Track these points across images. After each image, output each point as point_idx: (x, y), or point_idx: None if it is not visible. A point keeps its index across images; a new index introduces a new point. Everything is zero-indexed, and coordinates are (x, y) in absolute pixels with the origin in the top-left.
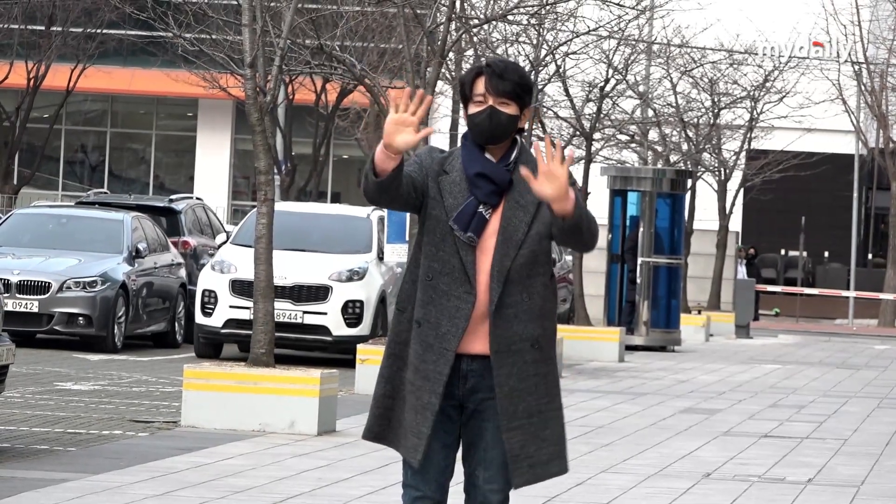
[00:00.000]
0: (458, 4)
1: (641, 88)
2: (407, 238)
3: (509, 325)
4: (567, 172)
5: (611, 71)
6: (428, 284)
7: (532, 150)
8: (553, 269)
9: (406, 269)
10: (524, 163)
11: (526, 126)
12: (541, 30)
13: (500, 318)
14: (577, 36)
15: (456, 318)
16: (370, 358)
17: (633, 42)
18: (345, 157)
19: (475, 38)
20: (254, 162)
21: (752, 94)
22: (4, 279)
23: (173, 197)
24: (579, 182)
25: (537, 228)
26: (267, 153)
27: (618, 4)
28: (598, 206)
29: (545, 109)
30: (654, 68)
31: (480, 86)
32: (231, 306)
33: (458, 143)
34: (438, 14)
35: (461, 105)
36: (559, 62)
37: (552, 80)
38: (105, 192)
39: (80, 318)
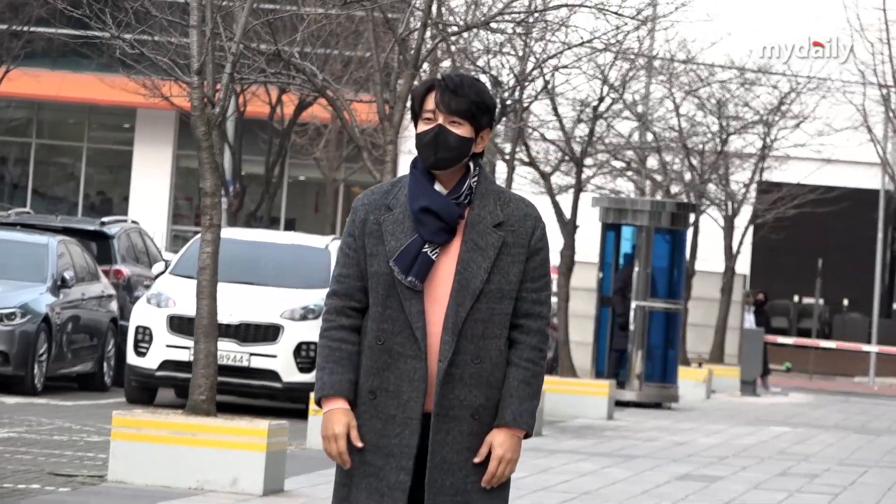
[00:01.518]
0: (434, 9)
1: (640, 109)
2: None
3: (451, 387)
4: (508, 465)
5: (606, 88)
6: (381, 349)
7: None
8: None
9: None
10: (483, 193)
11: (483, 150)
12: (528, 40)
13: (444, 378)
14: (569, 48)
15: (415, 380)
16: None
17: (632, 56)
18: (301, 178)
19: (453, 48)
20: (198, 182)
21: (765, 118)
22: None
23: (105, 219)
24: (567, 214)
25: (498, 283)
26: (213, 172)
27: (616, 13)
28: (589, 241)
29: (530, 130)
30: (654, 86)
31: (431, 102)
32: (168, 346)
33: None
34: (412, 19)
35: (413, 123)
36: (548, 77)
37: (539, 97)
38: (28, 212)
39: None
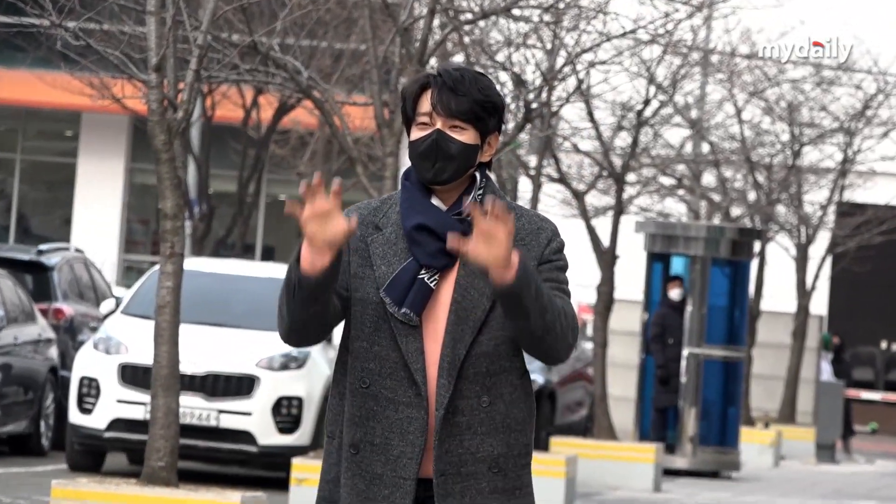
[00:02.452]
0: None
1: (694, 114)
2: None
3: (459, 438)
4: (510, 240)
5: (653, 89)
6: (365, 393)
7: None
8: (525, 364)
9: (332, 380)
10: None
11: (490, 160)
12: (558, 29)
13: (447, 429)
14: (608, 39)
15: (409, 433)
16: (310, 477)
17: (685, 50)
18: (281, 197)
19: (467, 39)
20: (156, 201)
21: (846, 125)
22: None
23: (43, 247)
24: (605, 242)
25: None
26: (175, 190)
27: None
28: (632, 274)
29: (561, 140)
30: (711, 87)
31: (426, 103)
32: (119, 401)
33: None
34: (417, 4)
35: (405, 129)
36: (582, 75)
37: (572, 99)
38: None
39: None
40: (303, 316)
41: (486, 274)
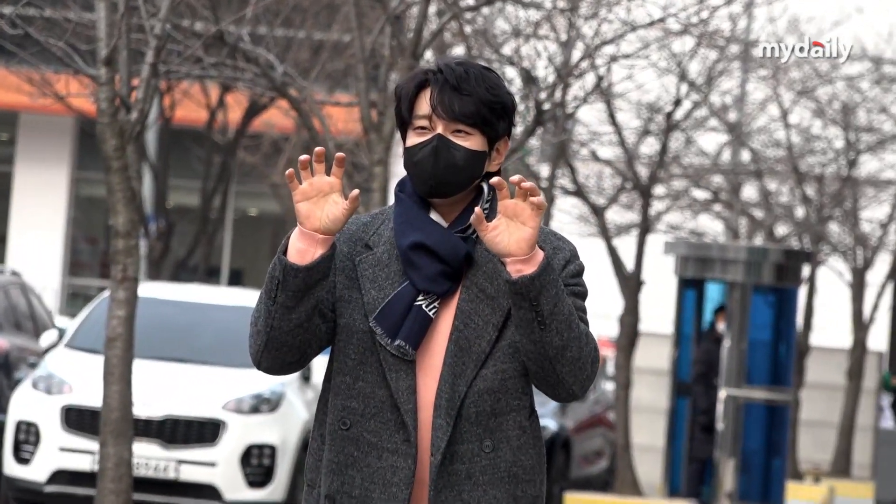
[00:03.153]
0: None
1: (733, 116)
2: None
3: (457, 489)
4: (538, 223)
5: (685, 87)
6: (345, 436)
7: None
8: (534, 402)
9: (314, 420)
10: None
11: (499, 168)
12: (574, 18)
13: (443, 478)
14: (633, 30)
15: (392, 484)
16: None
17: (722, 42)
18: (251, 212)
19: (468, 29)
20: (106, 217)
21: None
22: None
23: None
24: (629, 266)
25: (512, 336)
26: (128, 203)
27: None
28: (660, 303)
29: (577, 147)
30: (753, 85)
31: (425, 104)
32: (62, 449)
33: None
34: None
35: (399, 133)
36: (602, 71)
37: (590, 99)
38: None
39: None
40: (282, 326)
41: (503, 263)
